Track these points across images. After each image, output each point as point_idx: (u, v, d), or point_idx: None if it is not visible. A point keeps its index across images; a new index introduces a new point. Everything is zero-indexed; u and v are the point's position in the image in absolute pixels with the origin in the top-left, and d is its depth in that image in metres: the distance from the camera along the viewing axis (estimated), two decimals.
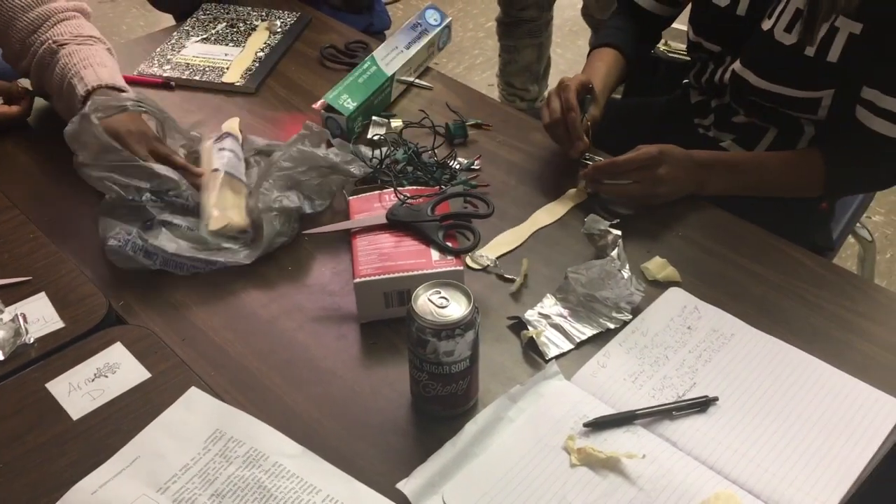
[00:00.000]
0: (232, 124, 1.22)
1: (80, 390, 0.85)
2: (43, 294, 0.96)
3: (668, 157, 1.07)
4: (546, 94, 2.50)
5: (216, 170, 1.08)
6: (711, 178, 1.10)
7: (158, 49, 1.46)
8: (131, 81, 1.37)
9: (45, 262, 1.00)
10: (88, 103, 1.06)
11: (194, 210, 1.06)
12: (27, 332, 0.90)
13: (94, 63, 1.19)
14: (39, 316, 0.93)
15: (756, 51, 1.15)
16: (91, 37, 1.24)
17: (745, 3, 1.16)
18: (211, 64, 1.43)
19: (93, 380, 0.86)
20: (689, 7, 1.28)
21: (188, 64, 1.42)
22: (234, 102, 1.35)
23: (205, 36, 1.50)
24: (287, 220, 1.04)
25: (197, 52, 1.46)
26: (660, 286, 0.99)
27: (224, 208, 1.04)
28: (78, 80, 1.16)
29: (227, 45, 1.48)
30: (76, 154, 1.05)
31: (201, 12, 1.56)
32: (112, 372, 0.87)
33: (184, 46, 1.47)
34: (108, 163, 1.04)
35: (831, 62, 1.07)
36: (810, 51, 1.08)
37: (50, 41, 1.20)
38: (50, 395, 0.85)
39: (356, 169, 1.07)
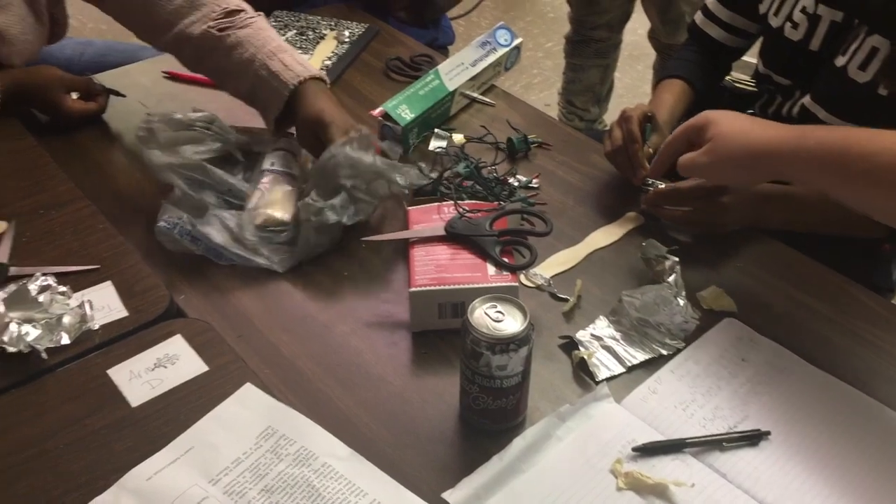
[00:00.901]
0: None
1: (140, 378, 0.87)
2: (109, 283, 0.98)
3: (731, 187, 1.06)
4: (604, 118, 2.50)
5: (265, 170, 1.11)
6: (775, 212, 1.09)
7: None
8: (201, 83, 1.41)
9: (112, 253, 1.03)
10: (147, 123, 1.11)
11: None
12: (93, 319, 0.92)
13: (276, 51, 1.16)
14: (105, 304, 0.96)
15: (828, 87, 1.14)
16: (236, 10, 1.20)
17: (818, 38, 1.15)
18: None
19: (152, 369, 0.88)
20: (759, 39, 1.28)
21: None
22: None
23: None
24: (327, 232, 1.05)
25: None
26: (715, 315, 0.99)
27: (267, 205, 1.07)
28: (275, 80, 1.14)
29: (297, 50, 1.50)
30: (149, 152, 1.09)
31: (273, 19, 1.60)
32: (171, 363, 0.89)
33: None
34: (182, 169, 1.09)
35: None
36: (884, 90, 1.06)
37: (203, 25, 1.17)
38: (111, 381, 0.87)
39: (402, 178, 1.07)
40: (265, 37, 1.19)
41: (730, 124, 0.96)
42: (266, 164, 1.13)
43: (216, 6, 1.19)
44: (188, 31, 1.18)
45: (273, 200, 1.08)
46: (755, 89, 1.36)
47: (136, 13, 1.23)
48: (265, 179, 1.11)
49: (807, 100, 1.17)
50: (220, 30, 1.18)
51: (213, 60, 1.19)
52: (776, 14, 1.21)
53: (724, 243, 1.09)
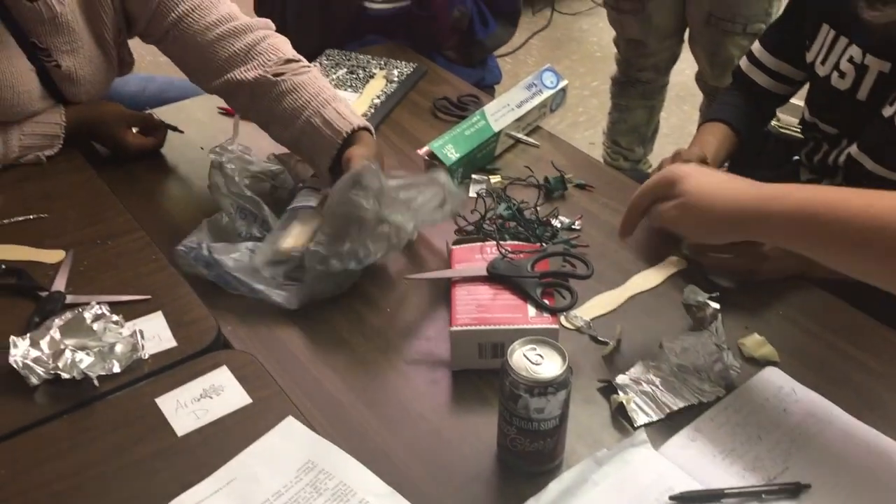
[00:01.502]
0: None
1: (186, 408, 0.90)
2: (160, 313, 1.02)
3: None
4: (648, 158, 2.50)
5: (288, 208, 1.14)
6: (819, 262, 1.08)
7: None
8: None
9: (164, 283, 1.07)
10: (218, 154, 1.15)
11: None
12: (143, 348, 0.96)
13: (330, 101, 1.19)
14: (155, 333, 0.99)
15: (875, 137, 1.13)
16: (293, 59, 1.24)
17: (866, 88, 1.15)
18: None
19: (198, 399, 0.91)
20: (805, 85, 1.28)
21: None
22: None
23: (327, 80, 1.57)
24: (332, 278, 1.05)
25: None
26: (756, 364, 0.98)
27: (279, 237, 1.10)
28: (329, 128, 1.16)
29: (346, 90, 1.55)
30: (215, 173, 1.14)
31: (325, 57, 1.64)
32: (217, 394, 0.91)
33: None
34: (238, 198, 1.13)
35: None
36: None
37: (259, 70, 1.21)
38: (158, 409, 0.90)
39: (410, 223, 1.04)
40: (319, 86, 1.22)
41: (699, 182, 0.92)
42: (295, 201, 1.16)
43: (272, 55, 1.23)
44: (241, 77, 1.22)
45: (287, 234, 1.11)
46: (801, 136, 1.36)
47: (191, 57, 1.27)
48: (287, 213, 1.14)
49: (853, 149, 1.17)
50: (275, 75, 1.21)
51: (264, 104, 1.22)
52: (823, 63, 1.21)
53: (766, 290, 1.09)
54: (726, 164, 1.41)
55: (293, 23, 1.73)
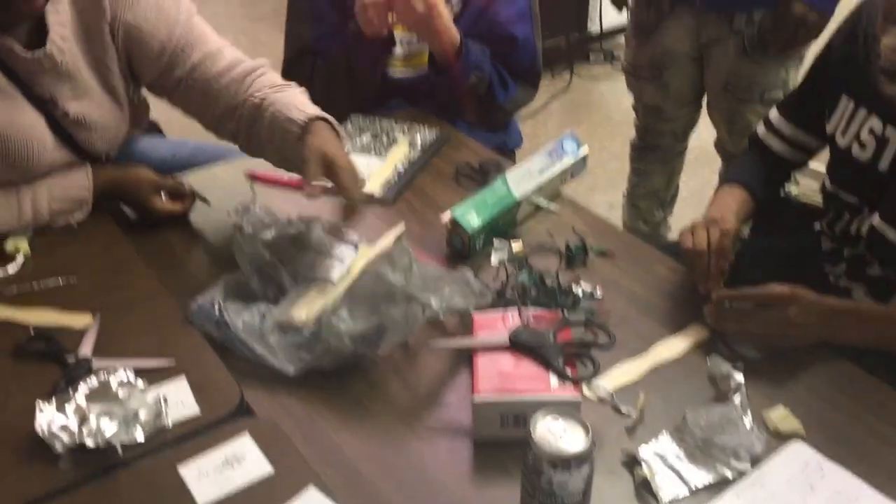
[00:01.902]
0: (394, 232, 1.29)
1: (208, 477, 0.90)
2: (184, 378, 1.02)
3: (800, 300, 1.05)
4: (668, 221, 2.50)
5: (308, 275, 1.15)
6: (845, 329, 1.08)
7: None
8: (281, 184, 1.49)
9: (188, 348, 1.08)
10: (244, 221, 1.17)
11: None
12: (167, 415, 0.96)
13: (296, 104, 1.30)
14: (179, 399, 0.99)
15: None
16: (282, 84, 1.36)
17: (887, 159, 1.15)
18: None
19: (221, 468, 0.91)
20: (823, 151, 1.29)
21: None
22: (372, 210, 1.43)
23: (350, 145, 1.60)
24: (340, 355, 1.05)
25: None
26: (782, 438, 0.97)
27: (292, 306, 1.10)
28: (289, 123, 1.27)
29: (370, 155, 1.57)
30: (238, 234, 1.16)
31: (349, 123, 1.68)
32: (238, 462, 0.91)
33: None
34: (258, 260, 1.14)
35: None
36: None
37: (251, 98, 1.32)
38: (181, 478, 0.90)
39: (437, 301, 1.05)
40: (291, 94, 1.32)
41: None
42: (315, 270, 1.17)
43: (264, 83, 1.34)
44: (240, 112, 1.32)
45: (301, 303, 1.11)
46: (821, 205, 1.37)
47: (200, 102, 1.36)
48: (307, 282, 1.15)
49: (875, 219, 1.17)
50: (262, 99, 1.30)
51: (257, 130, 1.32)
52: (843, 134, 1.22)
53: (792, 361, 1.08)
54: (746, 227, 1.42)
55: (321, 89, 1.77)
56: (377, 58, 1.69)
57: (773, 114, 1.39)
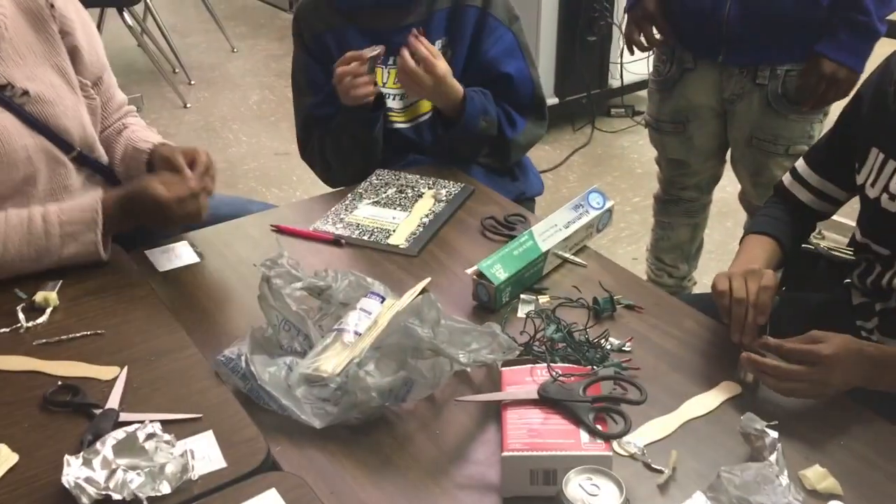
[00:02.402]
0: (420, 285, 1.28)
1: None
2: (210, 432, 1.02)
3: (842, 359, 1.04)
4: (693, 275, 2.49)
5: (336, 328, 1.15)
6: (884, 377, 1.06)
7: (333, 208, 1.59)
8: (307, 237, 1.50)
9: (215, 402, 1.07)
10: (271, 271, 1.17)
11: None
12: (193, 469, 0.95)
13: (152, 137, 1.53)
14: (205, 453, 0.99)
15: None
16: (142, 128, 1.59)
17: None
18: (379, 225, 1.53)
19: None
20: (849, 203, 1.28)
21: (358, 224, 1.54)
22: (397, 263, 1.43)
23: (376, 199, 1.62)
24: (367, 408, 1.04)
25: (367, 214, 1.57)
26: (819, 497, 0.95)
27: (319, 358, 1.10)
28: (137, 153, 1.49)
29: (395, 209, 1.59)
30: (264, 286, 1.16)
31: (374, 177, 1.69)
32: None
33: (356, 207, 1.59)
34: (284, 312, 1.14)
35: None
36: None
37: (120, 124, 1.58)
38: None
39: (465, 356, 1.05)
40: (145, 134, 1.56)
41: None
42: (342, 322, 1.16)
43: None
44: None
45: (328, 355, 1.11)
46: (852, 257, 1.35)
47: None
48: (333, 334, 1.14)
49: None
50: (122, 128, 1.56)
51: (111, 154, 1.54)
52: (873, 185, 1.21)
53: (827, 419, 1.06)
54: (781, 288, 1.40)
55: (334, 158, 1.79)
56: (369, 119, 1.69)
57: (800, 164, 1.39)
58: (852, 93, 1.36)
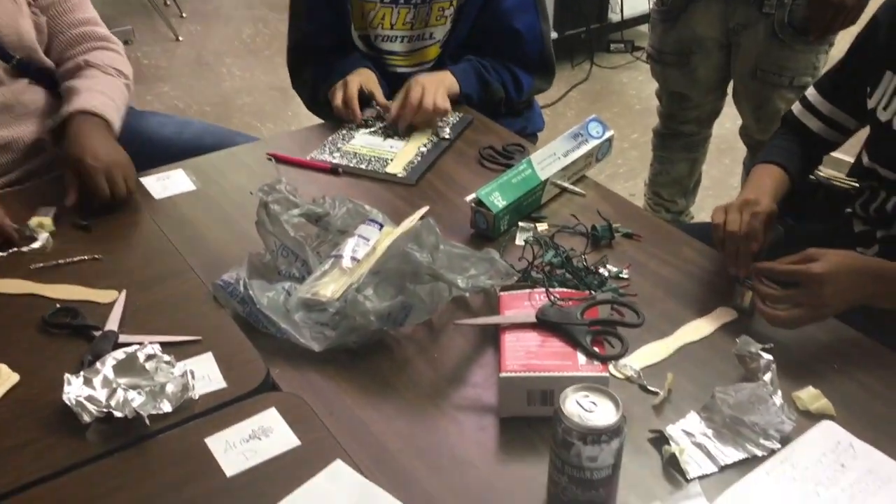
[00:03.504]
0: (418, 213, 1.29)
1: (235, 449, 0.90)
2: (210, 354, 1.03)
3: (835, 275, 1.02)
4: (690, 210, 2.49)
5: (333, 255, 1.14)
6: (888, 291, 1.04)
7: (330, 138, 1.57)
8: (304, 166, 1.49)
9: (214, 325, 1.08)
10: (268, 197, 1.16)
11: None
12: (193, 388, 0.96)
13: (97, 89, 1.41)
14: (205, 374, 0.99)
15: None
16: (120, 71, 1.49)
17: None
18: (377, 154, 1.52)
19: (247, 440, 0.91)
20: (860, 129, 1.27)
21: (356, 153, 1.52)
22: (395, 192, 1.43)
23: (373, 129, 1.60)
24: (365, 331, 1.05)
25: (364, 143, 1.56)
26: (811, 418, 0.96)
27: (318, 283, 1.09)
28: (73, 98, 1.38)
29: (393, 138, 1.57)
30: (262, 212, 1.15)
31: (370, 108, 1.67)
32: (265, 435, 0.92)
33: (353, 137, 1.58)
34: (282, 237, 1.14)
35: None
36: None
37: (82, 60, 1.46)
38: (208, 449, 0.90)
39: (464, 281, 1.06)
40: (95, 81, 1.43)
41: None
42: (340, 249, 1.16)
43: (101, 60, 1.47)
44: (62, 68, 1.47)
45: (326, 280, 1.11)
46: (852, 186, 1.35)
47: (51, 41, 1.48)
48: (331, 260, 1.14)
49: None
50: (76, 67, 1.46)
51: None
52: (885, 108, 1.21)
53: (821, 343, 1.07)
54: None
55: (324, 88, 1.76)
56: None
57: (811, 92, 1.37)
58: (863, 19, 1.33)
